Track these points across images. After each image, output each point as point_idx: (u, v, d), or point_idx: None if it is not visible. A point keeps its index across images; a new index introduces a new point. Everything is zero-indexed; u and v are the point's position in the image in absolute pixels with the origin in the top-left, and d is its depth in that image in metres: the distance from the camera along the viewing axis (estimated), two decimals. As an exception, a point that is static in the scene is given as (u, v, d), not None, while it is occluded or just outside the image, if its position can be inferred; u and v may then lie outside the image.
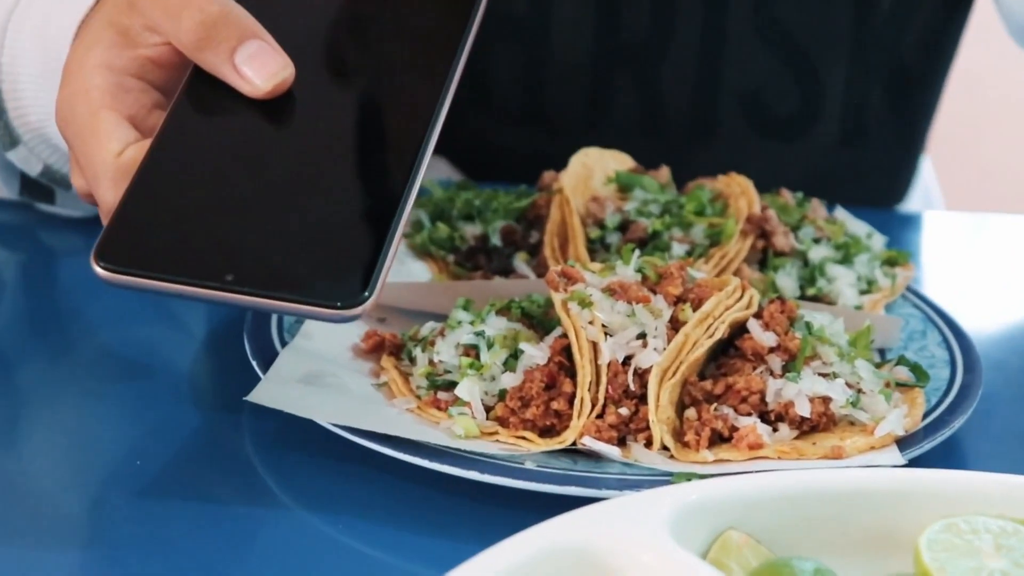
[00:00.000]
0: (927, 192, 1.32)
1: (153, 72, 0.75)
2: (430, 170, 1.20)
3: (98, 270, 0.66)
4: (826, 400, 0.77)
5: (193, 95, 0.73)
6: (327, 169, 0.71)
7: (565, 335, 0.78)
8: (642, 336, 0.77)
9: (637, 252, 0.82)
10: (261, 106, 0.72)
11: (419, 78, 0.74)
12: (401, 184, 0.70)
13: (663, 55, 1.14)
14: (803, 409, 0.76)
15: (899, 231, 1.00)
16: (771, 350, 0.79)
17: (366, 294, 0.65)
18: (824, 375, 0.79)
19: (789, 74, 1.15)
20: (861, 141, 1.20)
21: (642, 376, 0.76)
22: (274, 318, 0.85)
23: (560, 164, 0.98)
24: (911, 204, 1.28)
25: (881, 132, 1.20)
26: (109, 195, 0.71)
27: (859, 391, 0.79)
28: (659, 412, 0.76)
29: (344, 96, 0.74)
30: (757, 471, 0.72)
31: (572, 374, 0.78)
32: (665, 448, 0.76)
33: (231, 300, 0.66)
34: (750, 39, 1.14)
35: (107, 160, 0.71)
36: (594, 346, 0.77)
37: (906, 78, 1.18)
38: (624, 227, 0.94)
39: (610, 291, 0.79)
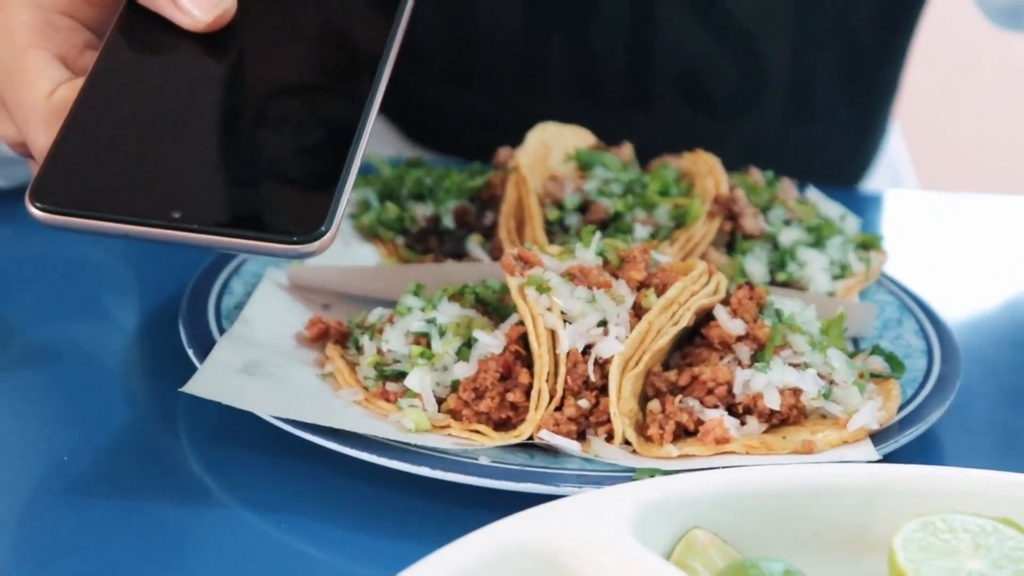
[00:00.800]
0: (895, 170, 1.32)
1: (83, 9, 0.74)
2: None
3: (34, 211, 0.66)
4: (797, 392, 0.78)
5: (127, 30, 0.72)
6: (275, 102, 0.71)
7: (522, 322, 0.78)
8: (603, 324, 0.77)
9: (598, 234, 0.82)
10: (201, 40, 0.72)
11: (371, 7, 0.74)
12: (355, 115, 0.70)
13: (594, 14, 1.14)
14: (772, 401, 0.77)
15: (859, 212, 1.01)
16: (739, 339, 0.79)
17: (323, 228, 0.66)
18: (795, 365, 0.79)
19: (727, 53, 1.15)
20: (810, 118, 1.20)
21: (603, 366, 0.77)
22: (211, 302, 0.84)
23: (497, 126, 0.97)
24: (875, 183, 1.29)
25: (833, 109, 1.20)
26: (42, 137, 0.70)
27: (831, 382, 0.79)
28: (621, 404, 0.76)
29: (291, 27, 0.74)
30: (724, 467, 0.73)
31: (529, 364, 0.78)
32: (627, 443, 0.76)
33: (179, 239, 0.66)
34: (683, 15, 1.14)
35: (37, 101, 0.70)
36: (552, 334, 0.77)
37: (859, 52, 1.18)
38: (584, 208, 0.94)
39: (569, 276, 0.79)
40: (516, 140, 0.98)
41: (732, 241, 0.94)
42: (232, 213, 0.67)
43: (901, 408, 0.80)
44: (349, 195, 0.67)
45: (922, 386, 0.82)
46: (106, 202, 0.66)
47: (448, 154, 1.20)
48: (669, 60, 1.16)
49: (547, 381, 0.76)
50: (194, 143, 0.69)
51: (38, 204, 0.66)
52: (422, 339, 0.79)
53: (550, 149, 0.99)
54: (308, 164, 0.69)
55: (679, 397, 0.77)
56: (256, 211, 0.67)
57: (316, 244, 0.66)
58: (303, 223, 0.66)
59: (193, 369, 0.78)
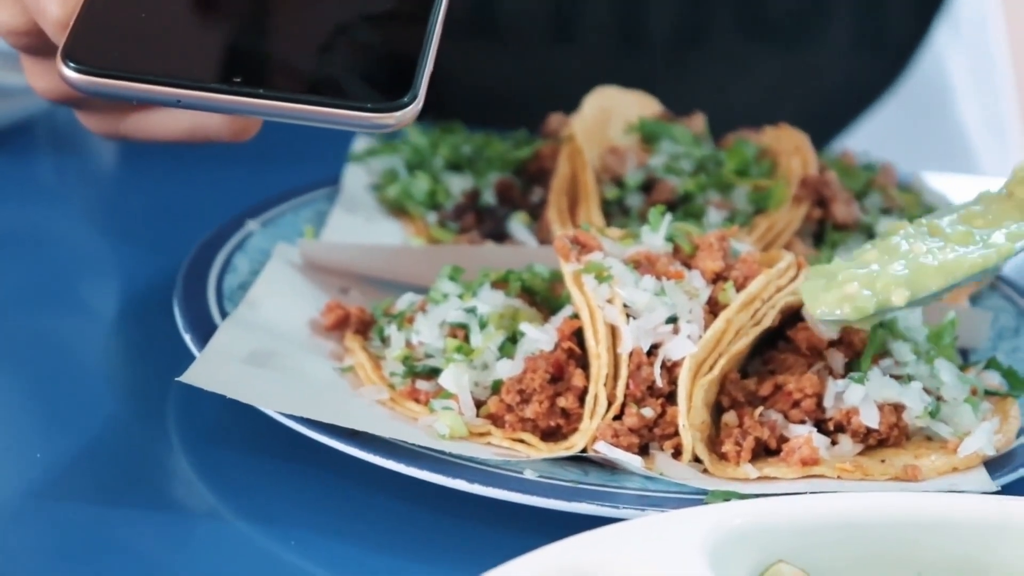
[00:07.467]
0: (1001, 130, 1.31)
1: None
2: None
3: (67, 73, 0.66)
4: (898, 408, 0.77)
5: None
6: None
7: (576, 316, 0.78)
8: (673, 320, 0.77)
9: (668, 216, 0.81)
10: None
11: None
12: None
13: None
14: (869, 418, 0.76)
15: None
16: (831, 344, 0.79)
17: (405, 99, 0.66)
18: (896, 377, 0.78)
19: None
20: (883, 44, 1.19)
21: (671, 370, 0.76)
22: (212, 280, 0.84)
23: (514, 89, 0.98)
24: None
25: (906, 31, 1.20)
26: (54, 6, 0.69)
27: (939, 399, 0.79)
28: (691, 415, 0.75)
29: None
30: (811, 493, 0.72)
31: (584, 364, 0.78)
32: (697, 460, 0.76)
33: (240, 105, 0.66)
34: None
35: None
36: (613, 330, 0.77)
37: None
38: (648, 187, 0.94)
39: (634, 263, 0.79)
40: (540, 104, 0.97)
41: (821, 231, 0.94)
42: (300, 78, 0.67)
43: (1021, 432, 0.79)
44: (432, 65, 0.68)
45: (1045, 407, 0.82)
46: (153, 63, 0.66)
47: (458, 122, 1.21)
48: None
49: (605, 385, 0.76)
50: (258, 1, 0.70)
51: (71, 64, 0.66)
52: (459, 331, 0.79)
53: (610, 117, 0.99)
54: (385, 24, 0.70)
55: (759, 409, 0.77)
56: (328, 76, 0.67)
57: (399, 115, 0.66)
58: (384, 91, 0.66)
59: (188, 358, 0.78)
